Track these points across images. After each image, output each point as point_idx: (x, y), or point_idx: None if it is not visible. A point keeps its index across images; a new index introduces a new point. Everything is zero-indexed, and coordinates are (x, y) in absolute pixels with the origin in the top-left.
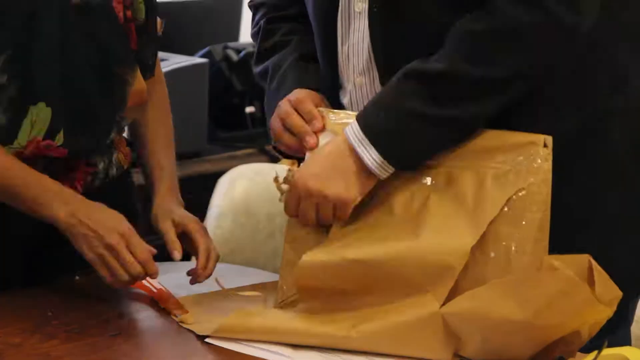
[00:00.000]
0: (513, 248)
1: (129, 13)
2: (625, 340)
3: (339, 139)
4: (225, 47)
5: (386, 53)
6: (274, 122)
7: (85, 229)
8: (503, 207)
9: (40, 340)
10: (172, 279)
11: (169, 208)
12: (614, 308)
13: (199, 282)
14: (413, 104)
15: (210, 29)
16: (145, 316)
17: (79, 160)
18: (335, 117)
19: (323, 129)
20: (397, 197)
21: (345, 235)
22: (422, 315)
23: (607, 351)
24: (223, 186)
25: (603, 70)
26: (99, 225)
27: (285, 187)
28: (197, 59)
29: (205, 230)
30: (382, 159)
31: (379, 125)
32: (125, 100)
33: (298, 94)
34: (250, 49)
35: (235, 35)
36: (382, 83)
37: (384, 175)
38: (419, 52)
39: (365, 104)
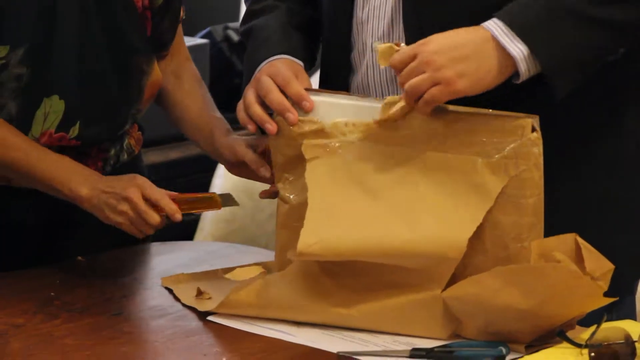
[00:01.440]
0: (509, 235)
1: (146, 1)
2: (630, 312)
3: (472, 29)
4: (226, 28)
5: (418, 11)
6: (248, 94)
7: (105, 196)
8: (498, 196)
9: (42, 321)
10: (176, 258)
11: (239, 139)
12: (608, 281)
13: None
14: (572, 1)
15: (211, 9)
16: (148, 296)
17: (91, 147)
18: (319, 97)
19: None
20: (384, 180)
21: (328, 216)
22: (422, 298)
23: (606, 325)
24: (223, 167)
25: None
26: (116, 186)
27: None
28: (197, 40)
29: None
30: (529, 52)
31: (528, 19)
32: (142, 92)
33: (281, 69)
34: None
35: (235, 16)
36: (409, 42)
37: (524, 73)
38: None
39: (378, 72)
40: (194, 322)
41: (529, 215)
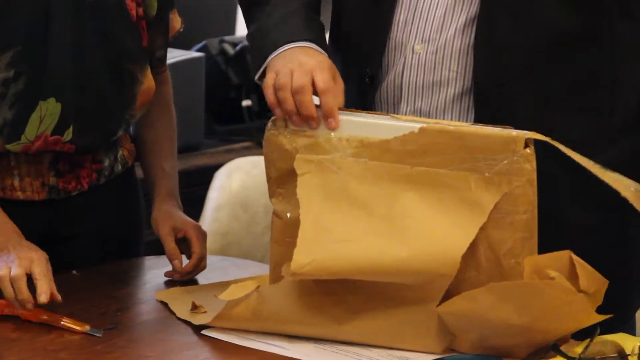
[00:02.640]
0: (502, 251)
1: (140, 10)
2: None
3: None
4: (222, 41)
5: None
6: (300, 78)
7: (5, 253)
8: (491, 212)
9: (37, 335)
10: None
11: (169, 212)
12: (601, 297)
13: (173, 278)
14: None
15: (207, 23)
16: (142, 310)
17: (85, 157)
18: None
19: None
20: (377, 196)
21: (321, 234)
22: (417, 313)
23: (599, 338)
24: (220, 179)
25: None
26: (19, 251)
27: None
28: (193, 53)
29: (204, 237)
30: None
31: None
32: (135, 98)
33: (324, 69)
34: (247, 43)
35: (231, 29)
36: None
37: None
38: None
39: (415, 75)
40: (189, 337)
41: (522, 231)
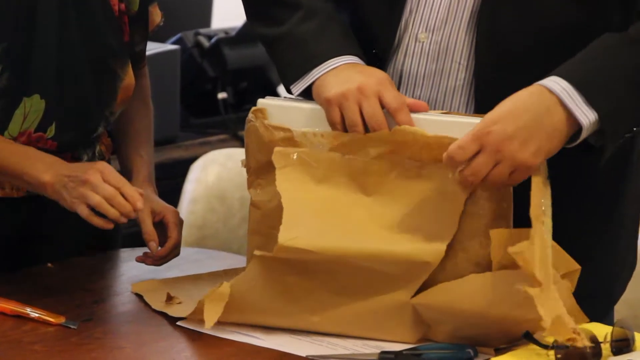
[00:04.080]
0: (479, 240)
1: (122, 6)
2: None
3: (538, 92)
4: (197, 34)
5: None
6: (354, 117)
7: (66, 179)
8: (466, 202)
9: (12, 327)
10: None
11: (148, 196)
12: (574, 283)
13: (145, 264)
14: (633, 73)
15: (182, 15)
16: (118, 301)
17: (64, 154)
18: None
19: None
20: (355, 190)
21: (305, 215)
22: (391, 303)
23: None
24: (196, 172)
25: None
26: (77, 169)
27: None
28: (168, 46)
29: (181, 224)
30: (597, 119)
31: (599, 87)
32: (116, 94)
33: (384, 86)
34: (222, 35)
35: (206, 22)
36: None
37: (580, 139)
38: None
39: (417, 63)
40: (164, 328)
41: (497, 219)
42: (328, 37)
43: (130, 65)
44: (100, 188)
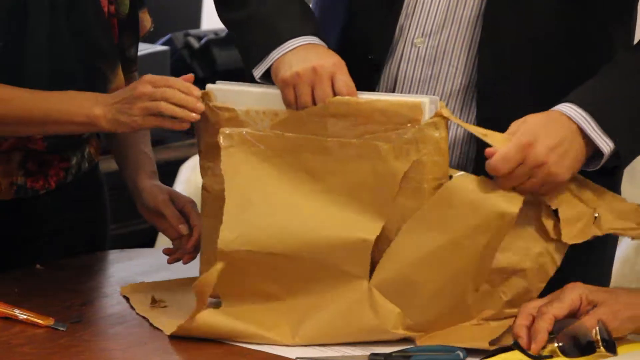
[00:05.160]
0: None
1: (112, 8)
2: None
3: (559, 117)
4: (187, 35)
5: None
6: (305, 99)
7: (117, 105)
8: (402, 181)
9: (1, 329)
10: (135, 265)
11: (161, 186)
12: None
13: (183, 262)
14: None
15: (172, 16)
16: (107, 303)
17: (53, 156)
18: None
19: None
20: (296, 169)
21: (245, 207)
22: (354, 299)
23: None
24: (185, 173)
25: None
26: (123, 93)
27: None
28: (158, 47)
29: (199, 214)
30: (615, 149)
31: (613, 115)
32: None
33: (340, 69)
34: (212, 36)
35: (196, 23)
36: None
37: (601, 163)
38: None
39: (413, 68)
40: (153, 330)
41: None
42: (287, 18)
43: (120, 67)
44: (158, 93)
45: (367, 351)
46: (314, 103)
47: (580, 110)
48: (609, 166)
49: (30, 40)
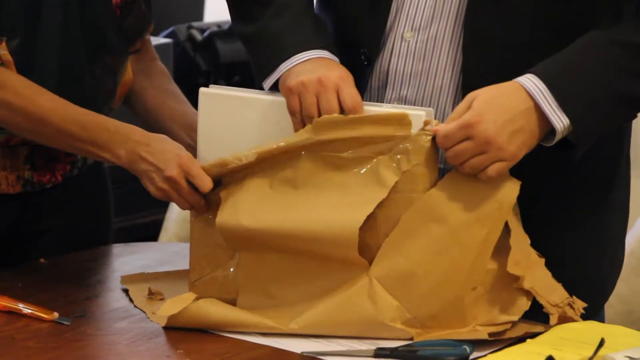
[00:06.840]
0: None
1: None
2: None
3: (516, 91)
4: (190, 27)
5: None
6: (310, 109)
7: (145, 164)
8: (390, 192)
9: (5, 323)
10: (139, 259)
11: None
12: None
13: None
14: (609, 76)
15: (174, 9)
16: (111, 297)
17: (60, 150)
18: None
19: None
20: (288, 184)
21: (243, 195)
22: (353, 289)
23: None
24: None
25: None
26: (159, 159)
27: None
28: (161, 39)
29: None
30: (569, 125)
31: (573, 91)
32: (115, 90)
33: (345, 81)
34: (215, 29)
35: (199, 15)
36: (466, 46)
37: (554, 140)
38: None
39: (403, 63)
40: (155, 324)
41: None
42: (298, 31)
43: (129, 62)
44: (182, 191)
45: (373, 345)
46: (319, 114)
47: (539, 83)
48: (573, 141)
49: (42, 35)
